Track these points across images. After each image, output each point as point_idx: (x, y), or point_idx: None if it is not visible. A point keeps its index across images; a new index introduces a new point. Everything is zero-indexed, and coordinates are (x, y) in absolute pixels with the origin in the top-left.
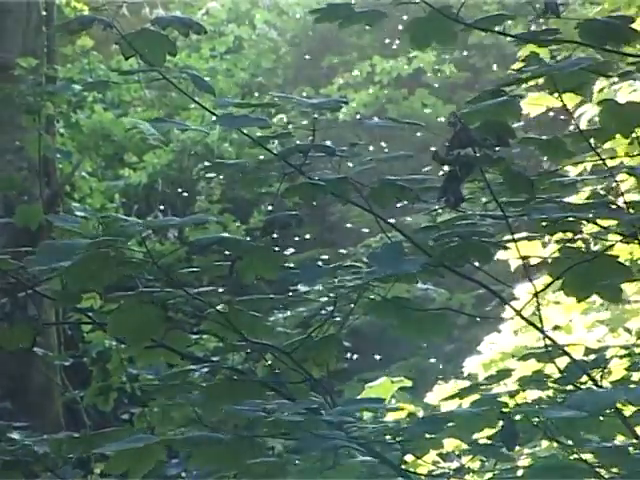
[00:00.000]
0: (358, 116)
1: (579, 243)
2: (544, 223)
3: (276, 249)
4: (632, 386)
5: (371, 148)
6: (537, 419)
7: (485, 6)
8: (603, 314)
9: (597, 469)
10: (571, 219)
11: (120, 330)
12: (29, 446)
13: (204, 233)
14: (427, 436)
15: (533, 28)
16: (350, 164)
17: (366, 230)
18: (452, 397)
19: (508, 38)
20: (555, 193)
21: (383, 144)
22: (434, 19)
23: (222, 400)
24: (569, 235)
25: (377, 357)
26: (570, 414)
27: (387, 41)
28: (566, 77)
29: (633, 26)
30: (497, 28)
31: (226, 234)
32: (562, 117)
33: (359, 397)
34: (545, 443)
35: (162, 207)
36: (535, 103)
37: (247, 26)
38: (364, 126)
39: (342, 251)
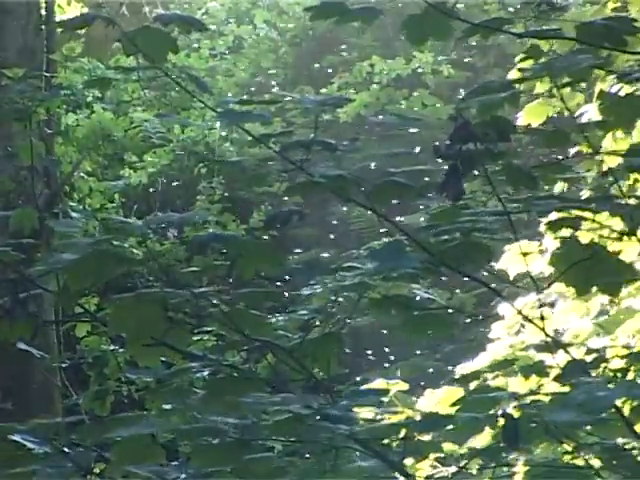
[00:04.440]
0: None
1: (582, 237)
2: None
3: (277, 246)
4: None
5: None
6: (538, 419)
7: (485, 5)
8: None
9: (598, 470)
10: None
11: (120, 327)
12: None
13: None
14: (425, 439)
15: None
16: (350, 161)
17: (367, 231)
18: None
19: (506, 34)
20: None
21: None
22: (430, 15)
23: (223, 398)
24: (570, 230)
25: (377, 358)
26: (572, 417)
27: (388, 39)
28: (566, 71)
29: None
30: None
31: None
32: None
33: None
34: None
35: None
36: (535, 112)
37: (247, 26)
38: (365, 124)
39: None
